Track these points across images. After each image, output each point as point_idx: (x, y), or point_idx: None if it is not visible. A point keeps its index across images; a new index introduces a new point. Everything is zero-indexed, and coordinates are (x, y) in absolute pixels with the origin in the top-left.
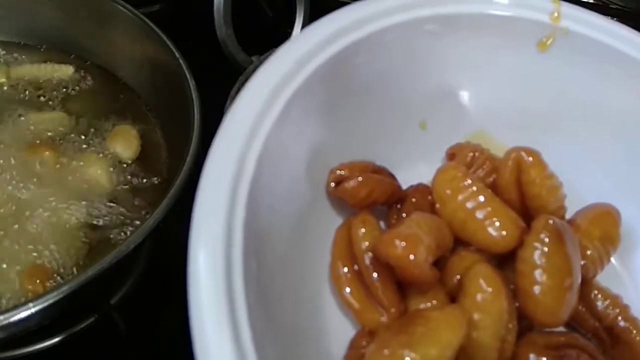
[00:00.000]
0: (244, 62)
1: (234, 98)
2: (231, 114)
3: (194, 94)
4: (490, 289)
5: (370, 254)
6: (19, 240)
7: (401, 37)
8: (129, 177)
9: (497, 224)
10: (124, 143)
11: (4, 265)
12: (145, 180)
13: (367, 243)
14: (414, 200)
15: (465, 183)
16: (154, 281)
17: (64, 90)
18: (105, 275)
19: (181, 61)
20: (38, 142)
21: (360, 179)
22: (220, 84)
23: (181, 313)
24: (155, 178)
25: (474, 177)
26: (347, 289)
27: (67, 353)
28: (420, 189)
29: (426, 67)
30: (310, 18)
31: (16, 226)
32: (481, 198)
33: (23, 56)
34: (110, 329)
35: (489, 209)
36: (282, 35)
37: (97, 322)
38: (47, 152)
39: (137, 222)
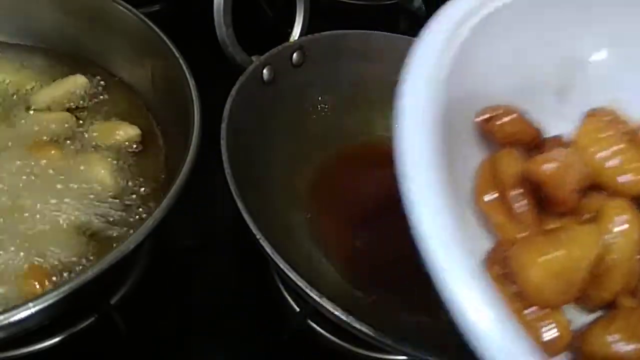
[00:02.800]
0: (244, 62)
1: (234, 98)
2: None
3: (194, 94)
4: (626, 216)
5: (514, 181)
6: (19, 240)
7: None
8: (129, 177)
9: (635, 168)
10: (125, 127)
11: (4, 265)
12: (145, 180)
13: (512, 172)
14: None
15: (608, 133)
16: (154, 281)
17: None
18: (105, 275)
19: (181, 61)
20: (44, 140)
21: (512, 116)
22: (220, 84)
23: (181, 312)
24: (155, 178)
25: (615, 128)
26: (492, 208)
27: (67, 353)
28: (557, 140)
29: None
30: (310, 18)
31: (18, 225)
32: (621, 146)
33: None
34: (110, 329)
35: (628, 154)
36: (282, 35)
37: (97, 322)
38: (52, 151)
39: (137, 222)
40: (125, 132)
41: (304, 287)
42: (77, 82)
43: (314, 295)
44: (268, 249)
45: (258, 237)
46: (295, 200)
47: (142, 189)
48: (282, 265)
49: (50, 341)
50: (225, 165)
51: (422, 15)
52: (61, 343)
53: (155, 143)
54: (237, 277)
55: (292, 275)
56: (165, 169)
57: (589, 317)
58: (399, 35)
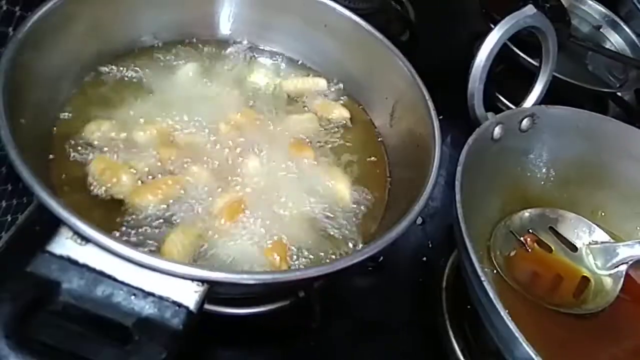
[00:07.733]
0: (481, 117)
1: (470, 146)
2: None
3: (437, 136)
4: None
5: None
6: (270, 219)
7: None
8: (360, 195)
9: None
10: (339, 108)
11: (256, 237)
12: (372, 202)
13: None
14: None
15: None
16: None
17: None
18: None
19: (432, 112)
20: (301, 139)
21: None
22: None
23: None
24: (379, 200)
25: None
26: None
27: (271, 321)
28: None
29: None
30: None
31: (271, 205)
32: None
33: (289, 70)
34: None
35: None
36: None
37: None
38: (308, 152)
39: (355, 234)
40: (340, 113)
41: None
42: (319, 84)
43: None
44: None
45: None
46: None
47: (368, 208)
48: None
49: (256, 309)
50: (457, 205)
51: None
52: (266, 313)
53: (382, 170)
54: None
55: None
56: (387, 192)
57: None
58: (628, 125)
